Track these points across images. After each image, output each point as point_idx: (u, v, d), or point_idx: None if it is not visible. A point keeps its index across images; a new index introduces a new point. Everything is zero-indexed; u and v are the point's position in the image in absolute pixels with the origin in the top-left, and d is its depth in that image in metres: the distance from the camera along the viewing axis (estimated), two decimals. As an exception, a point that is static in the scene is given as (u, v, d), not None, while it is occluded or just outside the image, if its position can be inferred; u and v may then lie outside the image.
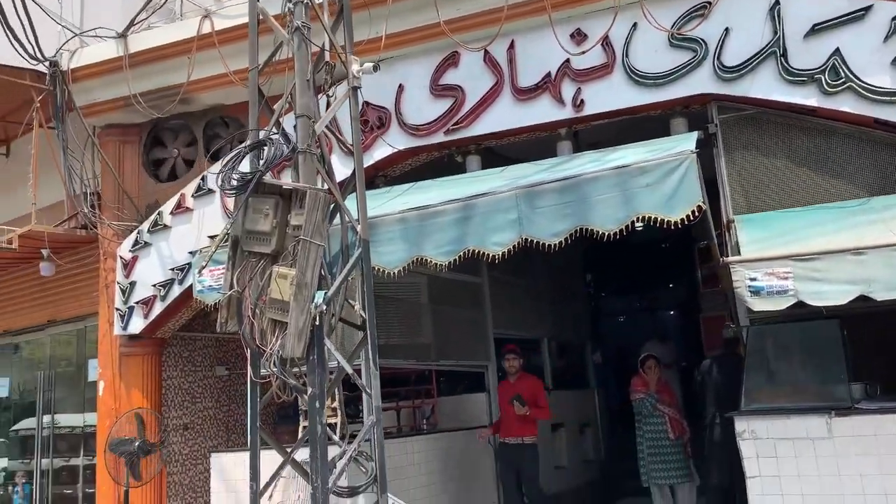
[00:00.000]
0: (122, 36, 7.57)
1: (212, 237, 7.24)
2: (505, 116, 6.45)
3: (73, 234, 8.14)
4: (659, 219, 4.04)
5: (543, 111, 6.33)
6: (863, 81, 5.17)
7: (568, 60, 6.22)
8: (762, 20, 5.58)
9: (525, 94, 6.36)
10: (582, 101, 6.18)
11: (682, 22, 5.79)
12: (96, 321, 8.44)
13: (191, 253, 6.86)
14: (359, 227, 4.26)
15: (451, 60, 6.64)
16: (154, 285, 7.48)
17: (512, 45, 6.44)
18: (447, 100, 6.58)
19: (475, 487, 7.70)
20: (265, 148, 4.09)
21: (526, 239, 4.18)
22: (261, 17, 4.70)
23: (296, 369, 3.98)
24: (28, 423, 9.75)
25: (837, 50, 5.27)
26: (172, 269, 7.42)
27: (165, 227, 7.54)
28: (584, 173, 4.18)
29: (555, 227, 4.08)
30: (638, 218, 3.93)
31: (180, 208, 7.50)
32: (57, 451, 9.39)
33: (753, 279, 4.03)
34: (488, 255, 4.34)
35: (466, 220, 4.32)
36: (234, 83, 7.19)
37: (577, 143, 6.66)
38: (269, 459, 6.81)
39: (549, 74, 6.29)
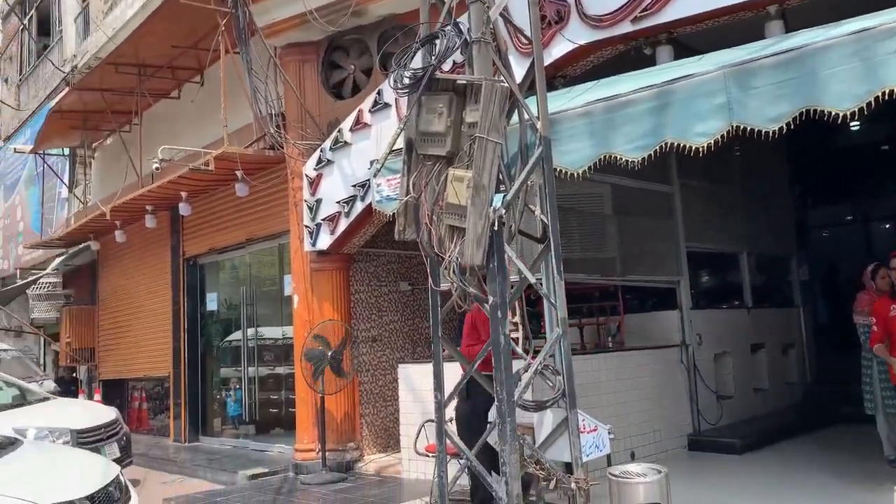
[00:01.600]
0: (295, -49, 7.51)
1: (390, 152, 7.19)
2: (704, -4, 5.63)
3: (261, 154, 8.45)
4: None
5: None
6: None
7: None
8: None
9: (728, -31, 5.49)
10: (801, -31, 5.24)
11: None
12: (289, 239, 8.83)
13: (372, 163, 6.78)
14: (539, 124, 3.89)
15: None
16: (338, 202, 7.60)
17: (710, -88, 5.55)
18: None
19: (667, 406, 7.29)
20: (437, 42, 3.78)
21: (736, 127, 3.57)
22: None
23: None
24: (236, 336, 10.57)
25: None
26: (354, 186, 7.48)
27: (346, 143, 7.57)
28: (810, 43, 3.45)
29: (773, 110, 3.42)
30: (884, 93, 3.17)
31: (359, 124, 7.48)
32: (262, 360, 10.13)
33: None
34: (684, 153, 3.78)
35: (663, 108, 3.77)
36: (404, -10, 6.97)
37: (787, 26, 5.72)
38: (453, 371, 6.88)
39: (758, -57, 5.37)
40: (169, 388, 11.16)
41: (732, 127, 3.60)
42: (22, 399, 8.55)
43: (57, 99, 13.78)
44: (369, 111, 7.41)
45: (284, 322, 9.68)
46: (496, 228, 3.59)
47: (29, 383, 9.25)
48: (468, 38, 3.80)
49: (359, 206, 7.49)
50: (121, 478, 5.93)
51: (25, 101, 18.27)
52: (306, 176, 7.91)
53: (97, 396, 12.61)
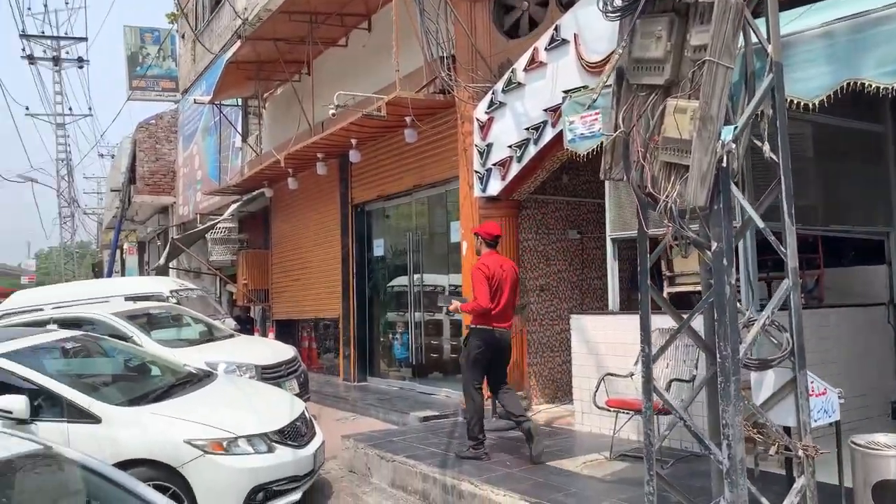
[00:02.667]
0: None
1: (566, 91, 6.83)
2: None
3: (432, 99, 8.33)
4: None
5: None
6: None
7: None
8: None
9: None
10: None
11: None
12: (457, 185, 8.73)
13: (564, 92, 6.41)
14: (769, 48, 3.42)
15: None
16: (510, 146, 7.36)
17: None
18: None
19: (870, 370, 6.58)
20: (653, -44, 3.39)
21: None
22: None
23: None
24: (401, 281, 10.73)
25: None
26: (528, 129, 7.20)
27: (519, 84, 7.28)
28: None
29: None
30: None
31: (533, 63, 7.15)
32: (425, 306, 10.22)
33: None
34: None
35: (931, 23, 3.19)
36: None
37: None
38: (635, 325, 6.54)
39: None
40: (338, 330, 11.58)
41: None
42: (210, 335, 9.14)
43: (233, 50, 14.44)
44: (545, 49, 7.05)
45: (451, 269, 9.68)
46: (724, 165, 3.20)
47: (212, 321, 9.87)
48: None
49: (532, 151, 7.22)
50: (306, 413, 6.16)
51: (201, 54, 19.36)
52: (477, 120, 7.71)
53: (271, 335, 13.35)
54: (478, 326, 6.06)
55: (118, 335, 7.69)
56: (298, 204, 12.66)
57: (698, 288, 6.50)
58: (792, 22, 3.81)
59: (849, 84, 3.49)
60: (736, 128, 3.21)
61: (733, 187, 3.31)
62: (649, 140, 3.40)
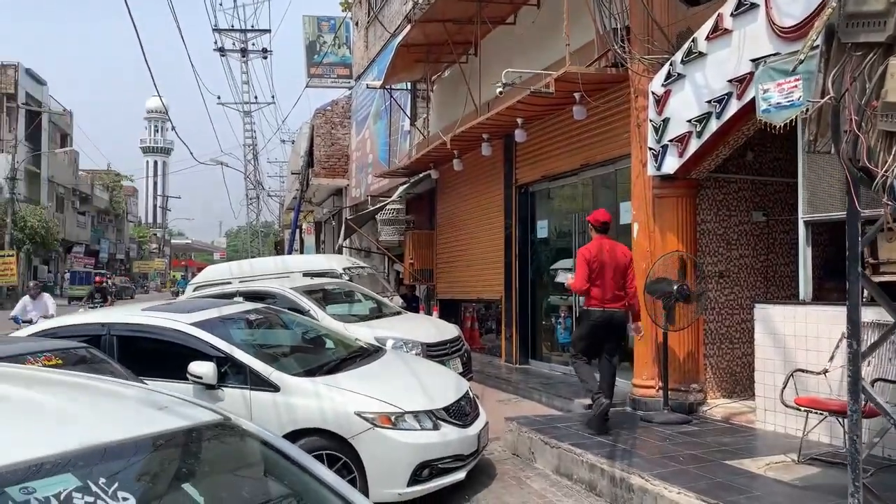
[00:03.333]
0: None
1: (754, 60, 6.25)
2: None
3: (603, 73, 7.99)
4: None
5: None
6: None
7: None
8: None
9: None
10: None
11: None
12: (627, 164, 8.33)
13: (752, 61, 5.92)
14: None
15: None
16: (689, 121, 6.87)
17: None
18: None
19: None
20: None
21: None
22: None
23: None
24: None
25: None
26: (709, 102, 6.68)
27: (700, 54, 6.76)
28: None
29: None
30: None
31: (717, 31, 6.60)
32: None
33: None
34: None
35: None
36: None
37: None
38: (830, 317, 5.91)
39: None
40: (500, 311, 11.55)
41: None
42: (379, 311, 9.43)
43: (404, 33, 14.77)
44: (731, 15, 6.47)
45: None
46: (964, 135, 2.72)
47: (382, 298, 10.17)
48: None
49: (713, 125, 6.70)
50: (470, 393, 6.15)
51: (373, 41, 20.01)
52: (652, 93, 7.28)
53: (435, 314, 13.61)
54: (586, 308, 6.77)
55: (297, 309, 8.11)
56: (463, 185, 12.73)
57: (908, 278, 5.81)
58: None
59: None
60: (981, 88, 2.71)
61: (975, 159, 2.81)
62: (866, 106, 2.97)
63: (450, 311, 13.73)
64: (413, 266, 14.43)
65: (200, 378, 5.33)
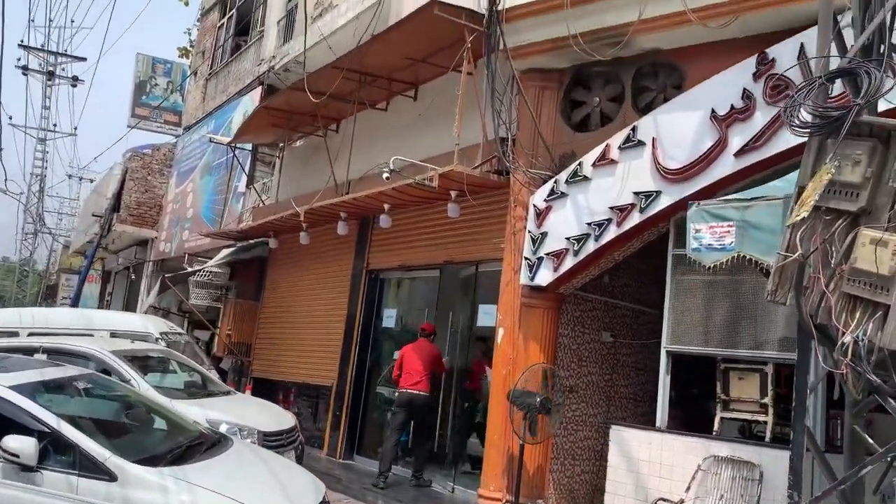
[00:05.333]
0: (564, -27, 7.16)
1: (637, 193, 6.66)
2: None
3: (487, 178, 8.09)
4: None
5: None
6: None
7: None
8: None
9: None
10: None
11: None
12: (491, 267, 8.41)
13: (635, 194, 6.29)
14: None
15: None
16: (567, 238, 7.11)
17: None
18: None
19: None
20: (857, 77, 3.20)
21: None
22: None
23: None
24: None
25: None
26: (589, 224, 6.97)
27: (585, 178, 7.09)
28: None
29: None
30: None
31: (604, 160, 6.99)
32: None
33: None
34: None
35: None
36: (683, 24, 6.46)
37: None
38: (686, 446, 6.17)
39: None
40: (329, 399, 10.93)
41: None
42: (204, 388, 8.48)
43: (255, 94, 14.22)
44: (619, 147, 6.90)
45: (468, 352, 9.27)
46: (927, 310, 2.93)
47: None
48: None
49: (590, 246, 6.98)
50: (328, 498, 5.58)
51: (213, 93, 19.09)
52: (534, 206, 7.47)
53: (248, 392, 12.59)
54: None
55: (116, 377, 7.04)
56: (306, 260, 12.16)
57: (755, 417, 6.27)
58: None
59: None
60: (946, 272, 2.95)
61: (927, 334, 3.03)
62: (837, 268, 3.13)
63: (265, 391, 12.75)
64: (230, 338, 13.36)
65: (17, 456, 4.35)
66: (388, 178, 8.09)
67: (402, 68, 9.67)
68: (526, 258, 7.46)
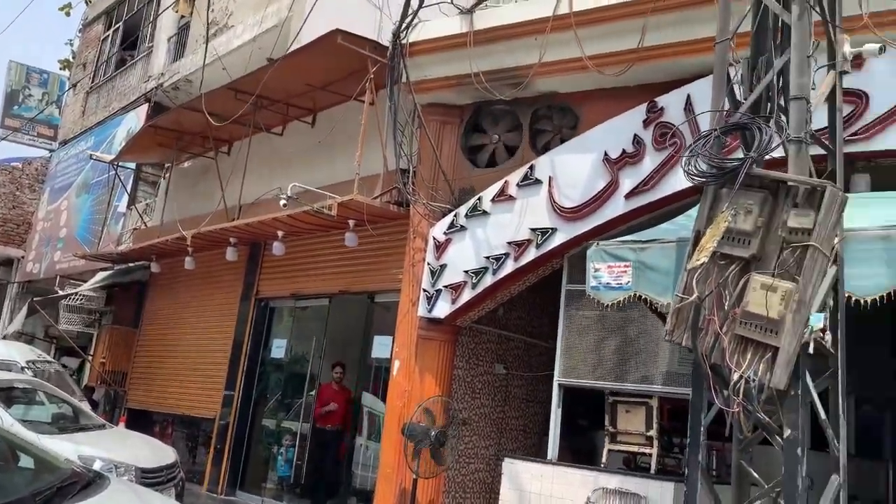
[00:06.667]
0: (469, 12, 7.33)
1: (534, 229, 6.83)
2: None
3: (386, 208, 8.06)
4: None
5: None
6: None
7: None
8: None
9: (954, 108, 5.26)
10: None
11: None
12: (388, 298, 8.36)
13: (531, 230, 6.58)
14: (837, 241, 3.51)
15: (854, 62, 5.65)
16: (466, 271, 7.18)
17: (945, 51, 5.34)
18: (845, 106, 5.59)
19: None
20: (750, 132, 3.42)
21: None
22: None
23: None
24: (299, 389, 9.95)
25: None
26: (487, 258, 7.08)
27: (484, 213, 7.21)
28: None
29: None
30: None
31: (503, 196, 7.13)
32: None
33: None
34: None
35: None
36: (579, 70, 6.74)
37: None
38: (577, 479, 6.29)
39: None
40: (212, 432, 10.44)
41: None
42: (76, 421, 7.90)
43: (143, 113, 13.60)
44: (517, 184, 7.08)
45: (360, 384, 9.12)
46: (809, 352, 3.14)
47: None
48: (789, 134, 3.44)
49: (488, 280, 7.08)
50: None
51: (94, 108, 18.11)
52: (434, 238, 7.51)
53: (121, 425, 11.83)
54: None
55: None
56: (191, 286, 11.64)
57: (641, 449, 6.49)
58: (854, 211, 3.92)
59: (903, 288, 3.62)
60: (826, 315, 3.18)
61: (807, 375, 3.25)
62: (731, 311, 3.31)
63: (140, 422, 12.02)
64: (104, 366, 12.54)
65: None
66: (285, 205, 7.90)
67: (301, 94, 9.55)
68: (424, 290, 7.46)
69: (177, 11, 14.49)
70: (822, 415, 3.37)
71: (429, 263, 7.48)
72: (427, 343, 7.51)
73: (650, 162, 6.28)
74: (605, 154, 6.53)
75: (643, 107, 6.41)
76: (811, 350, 3.13)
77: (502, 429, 8.37)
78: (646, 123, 6.37)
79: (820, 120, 4.03)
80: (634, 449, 6.47)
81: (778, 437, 3.28)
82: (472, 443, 7.97)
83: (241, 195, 10.06)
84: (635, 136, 6.40)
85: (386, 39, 7.87)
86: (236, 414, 10.15)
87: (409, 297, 7.69)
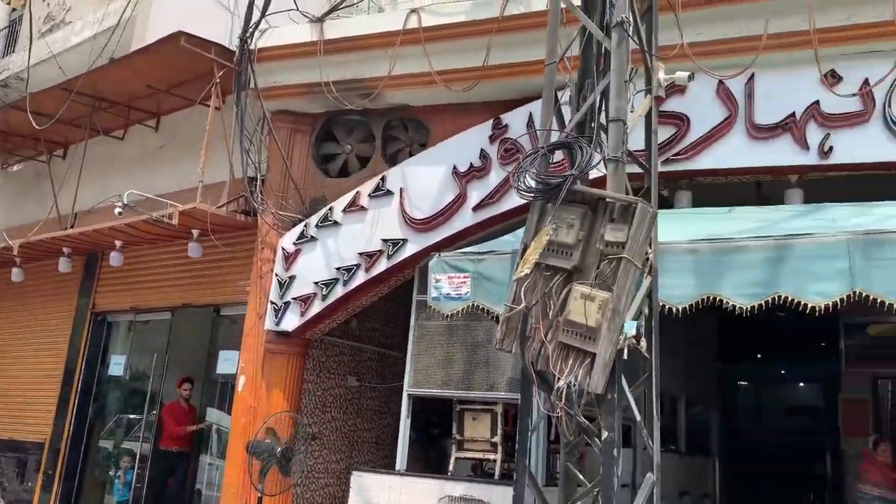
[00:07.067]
0: (320, 20, 7.27)
1: (385, 240, 6.86)
2: (735, 153, 5.91)
3: (233, 217, 7.80)
4: None
5: (781, 153, 5.78)
6: None
7: (817, 102, 5.68)
8: None
9: (762, 133, 5.82)
10: (830, 148, 5.61)
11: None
12: (235, 311, 8.10)
13: (383, 241, 6.67)
14: (650, 253, 3.75)
15: (677, 87, 6.13)
16: (316, 283, 7.09)
17: (752, 79, 5.91)
18: (668, 128, 6.06)
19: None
20: (572, 151, 3.60)
21: (859, 293, 3.60)
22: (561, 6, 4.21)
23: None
24: (138, 407, 9.41)
25: None
26: (338, 269, 7.02)
27: (335, 223, 7.16)
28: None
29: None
30: None
31: (354, 206, 7.11)
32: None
33: None
34: (800, 304, 3.76)
35: (779, 261, 3.75)
36: (429, 84, 6.86)
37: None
38: (426, 489, 6.33)
39: (793, 115, 5.74)
40: (40, 456, 9.63)
41: (854, 293, 3.63)
42: None
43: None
44: (369, 195, 7.08)
45: (206, 402, 8.75)
46: (625, 357, 3.33)
47: None
48: (605, 154, 3.65)
49: (339, 291, 7.03)
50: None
51: None
52: (283, 249, 7.35)
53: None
54: None
55: None
56: (16, 298, 10.71)
57: (486, 456, 6.64)
58: (671, 226, 4.22)
59: (709, 298, 3.93)
60: (639, 323, 3.39)
61: (623, 379, 3.45)
62: (555, 320, 3.45)
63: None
64: None
65: None
66: (120, 213, 7.46)
67: (144, 96, 9.08)
68: (272, 302, 7.28)
69: (8, 3, 13.45)
70: (638, 416, 3.59)
71: (277, 275, 7.31)
72: (275, 357, 7.33)
73: (496, 176, 6.49)
74: (455, 167, 6.68)
75: (489, 123, 6.62)
76: (625, 356, 3.34)
77: (354, 442, 8.30)
78: (492, 139, 6.58)
79: (640, 140, 4.32)
80: (480, 455, 6.61)
81: (597, 440, 3.45)
82: (323, 457, 7.84)
83: (75, 202, 9.39)
84: (482, 150, 6.59)
85: (233, 44, 7.65)
86: (69, 436, 9.44)
87: (256, 309, 7.48)
